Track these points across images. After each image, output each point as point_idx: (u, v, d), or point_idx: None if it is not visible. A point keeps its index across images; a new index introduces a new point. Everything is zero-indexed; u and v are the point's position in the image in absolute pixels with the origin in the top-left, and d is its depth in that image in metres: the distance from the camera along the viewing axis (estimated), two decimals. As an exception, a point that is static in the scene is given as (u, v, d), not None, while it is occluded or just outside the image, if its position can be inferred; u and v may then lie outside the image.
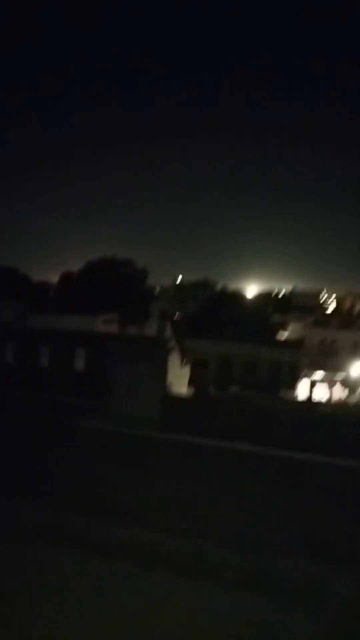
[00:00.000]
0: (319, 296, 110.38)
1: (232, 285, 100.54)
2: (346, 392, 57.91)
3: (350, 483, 12.29)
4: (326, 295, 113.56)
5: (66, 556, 8.85)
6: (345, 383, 59.26)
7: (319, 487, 12.19)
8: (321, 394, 54.23)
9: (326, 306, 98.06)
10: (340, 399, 54.60)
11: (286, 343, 64.93)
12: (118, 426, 16.13)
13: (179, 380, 29.89)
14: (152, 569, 8.61)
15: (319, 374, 58.90)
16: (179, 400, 20.20)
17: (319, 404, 31.22)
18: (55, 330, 23.75)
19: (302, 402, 34.14)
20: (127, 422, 17.11)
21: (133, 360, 17.63)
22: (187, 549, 9.25)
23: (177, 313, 67.25)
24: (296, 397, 51.62)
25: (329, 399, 52.89)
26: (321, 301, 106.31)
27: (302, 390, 54.68)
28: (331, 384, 58.73)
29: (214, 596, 7.96)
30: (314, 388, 50.76)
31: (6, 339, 22.11)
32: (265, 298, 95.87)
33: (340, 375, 59.96)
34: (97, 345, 20.65)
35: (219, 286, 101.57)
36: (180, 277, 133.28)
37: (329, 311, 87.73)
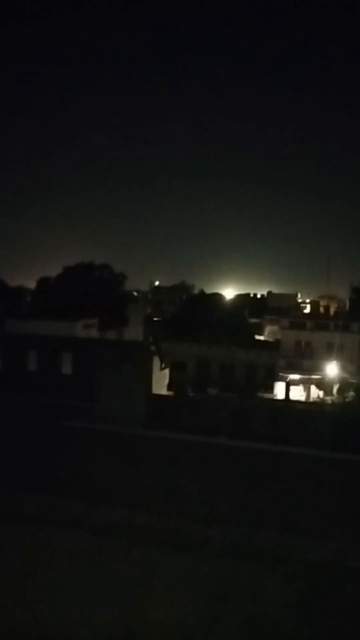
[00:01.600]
0: (294, 299, 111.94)
1: (209, 288, 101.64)
2: (322, 392, 59.30)
3: (317, 470, 13.56)
4: (301, 298, 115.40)
5: (67, 536, 9.85)
6: (320, 384, 60.68)
7: (289, 474, 13.40)
8: (297, 394, 55.56)
9: (302, 308, 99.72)
10: (316, 399, 55.98)
11: (263, 345, 66.16)
12: (105, 424, 17.10)
13: (158, 383, 30.74)
14: (143, 544, 9.67)
15: (295, 376, 60.22)
16: (161, 400, 21.18)
17: (293, 401, 32.47)
18: (42, 335, 24.49)
19: (277, 400, 35.39)
20: (114, 420, 18.04)
21: (119, 363, 18.63)
22: (173, 527, 10.33)
23: (154, 317, 68.08)
24: (273, 398, 52.84)
25: (306, 400, 54.19)
26: (297, 304, 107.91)
27: (279, 392, 55.94)
28: (307, 385, 60.11)
29: (199, 565, 9.05)
30: (289, 389, 52.04)
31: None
32: (242, 300, 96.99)
33: (316, 376, 61.38)
34: (82, 349, 21.50)
35: (196, 290, 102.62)
36: (157, 281, 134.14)
37: (304, 313, 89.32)
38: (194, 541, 9.81)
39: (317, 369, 62.31)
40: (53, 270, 77.64)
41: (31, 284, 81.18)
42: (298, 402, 40.27)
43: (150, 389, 21.17)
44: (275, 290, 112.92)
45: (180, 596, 8.14)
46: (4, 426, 15.86)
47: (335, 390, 60.20)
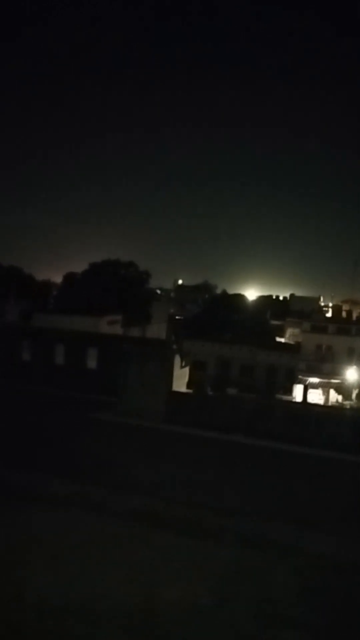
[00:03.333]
0: (316, 302, 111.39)
1: (232, 289, 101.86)
2: (341, 397, 59.28)
3: (331, 471, 14.17)
4: (323, 302, 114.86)
5: (91, 519, 10.67)
6: (340, 388, 60.65)
7: (303, 473, 14.01)
8: (316, 398, 55.68)
9: (324, 312, 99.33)
10: (334, 403, 56.00)
11: (284, 347, 66.31)
12: (128, 418, 17.88)
13: (178, 380, 31.44)
14: (161, 530, 10.42)
15: (314, 379, 60.32)
16: (182, 396, 21.89)
17: (311, 404, 32.82)
18: (69, 330, 25.35)
19: (295, 402, 35.75)
20: (136, 414, 18.77)
21: (144, 360, 19.39)
22: (190, 516, 11.07)
23: (176, 316, 68.80)
24: (292, 400, 53.08)
25: (324, 403, 54.26)
26: (319, 307, 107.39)
27: (297, 394, 56.13)
28: (326, 389, 60.17)
29: (212, 551, 9.77)
30: (308, 392, 52.22)
31: (22, 338, 23.74)
32: (264, 302, 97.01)
33: (335, 380, 61.38)
34: (107, 345, 22.29)
35: (219, 290, 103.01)
36: (180, 280, 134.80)
37: (326, 316, 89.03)
38: (209, 529, 10.53)
39: (337, 373, 62.27)
40: (79, 266, 78.96)
41: (57, 279, 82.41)
42: (316, 405, 40.55)
43: (171, 386, 21.93)
44: (298, 293, 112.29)
45: (194, 578, 8.86)
46: (34, 417, 16.79)
47: (354, 395, 60.01)
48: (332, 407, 43.18)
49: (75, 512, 11.01)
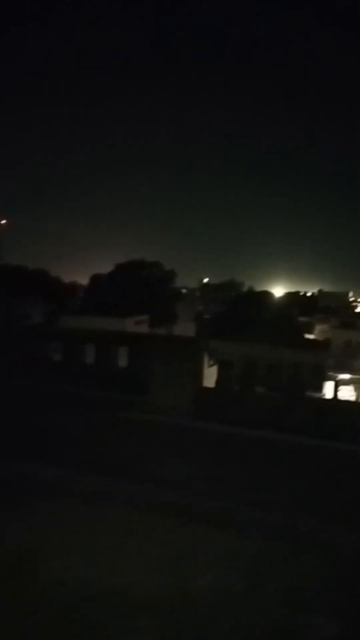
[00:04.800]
0: (345, 298, 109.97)
1: (259, 286, 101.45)
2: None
3: (351, 464, 14.22)
4: (353, 297, 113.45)
5: (123, 512, 10.95)
6: (371, 384, 59.95)
7: (332, 467, 14.05)
8: (347, 394, 55.19)
9: (353, 308, 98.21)
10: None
11: (312, 344, 65.85)
12: (157, 415, 18.15)
13: (207, 379, 31.64)
14: (191, 522, 10.64)
15: (345, 375, 59.78)
16: (210, 393, 22.08)
17: (341, 401, 32.60)
18: (98, 329, 25.77)
19: (325, 399, 35.56)
20: (165, 412, 19.06)
21: (171, 357, 19.65)
22: (220, 509, 11.25)
23: (203, 315, 69.00)
24: (322, 397, 52.76)
25: (356, 399, 53.80)
26: (348, 303, 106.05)
27: (327, 391, 55.73)
28: (358, 385, 59.53)
29: (242, 542, 9.93)
30: (338, 388, 51.76)
31: (51, 339, 24.25)
32: (291, 298, 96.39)
33: (367, 376, 60.66)
34: (136, 344, 22.57)
35: (245, 288, 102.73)
36: (206, 279, 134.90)
37: (355, 312, 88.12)
38: (239, 522, 10.70)
39: (367, 369, 61.46)
40: (105, 267, 79.78)
41: (84, 280, 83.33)
42: (347, 401, 40.21)
43: (201, 383, 22.15)
44: (326, 289, 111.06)
45: (225, 568, 9.04)
46: (65, 416, 17.20)
47: (386, 391, 59.16)
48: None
49: (106, 506, 11.29)
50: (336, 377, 60.29)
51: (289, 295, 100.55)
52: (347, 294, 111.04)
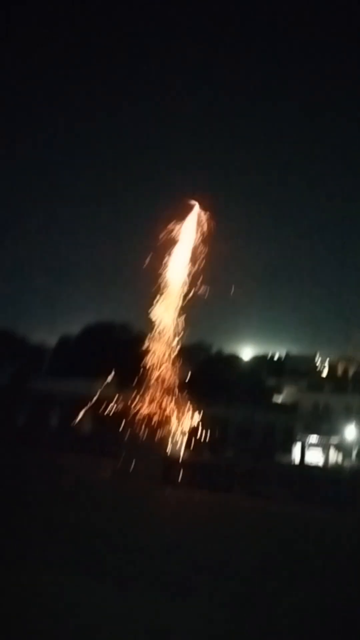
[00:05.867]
0: (312, 360, 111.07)
1: (227, 349, 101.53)
2: (341, 456, 58.35)
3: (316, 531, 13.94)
4: (320, 360, 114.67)
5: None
6: (339, 447, 59.78)
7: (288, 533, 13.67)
8: (316, 457, 54.80)
9: (320, 370, 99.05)
10: (334, 463, 55.14)
11: (281, 407, 65.74)
12: (126, 481, 17.62)
13: (175, 444, 31.13)
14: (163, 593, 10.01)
15: (313, 438, 59.53)
16: (178, 459, 21.65)
17: (308, 465, 32.37)
18: (63, 393, 25.29)
19: (292, 464, 35.31)
20: (134, 478, 18.51)
21: (140, 423, 19.33)
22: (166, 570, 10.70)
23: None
24: (292, 460, 52.26)
25: (324, 463, 53.42)
26: (315, 365, 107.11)
27: (296, 454, 55.27)
28: (325, 448, 59.29)
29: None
30: (305, 452, 51.59)
31: (18, 402, 23.68)
32: (260, 361, 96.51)
33: (334, 439, 60.58)
34: (101, 409, 22.18)
35: (214, 349, 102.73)
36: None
37: (322, 375, 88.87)
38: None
39: (335, 431, 61.47)
40: (74, 328, 79.21)
41: (53, 341, 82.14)
42: (314, 466, 39.95)
43: (168, 452, 21.78)
44: (294, 349, 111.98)
45: None
46: (29, 484, 16.54)
47: (354, 454, 59.07)
48: (330, 467, 42.55)
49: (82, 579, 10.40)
50: (305, 439, 60.00)
51: (257, 358, 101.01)
52: (314, 356, 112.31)
